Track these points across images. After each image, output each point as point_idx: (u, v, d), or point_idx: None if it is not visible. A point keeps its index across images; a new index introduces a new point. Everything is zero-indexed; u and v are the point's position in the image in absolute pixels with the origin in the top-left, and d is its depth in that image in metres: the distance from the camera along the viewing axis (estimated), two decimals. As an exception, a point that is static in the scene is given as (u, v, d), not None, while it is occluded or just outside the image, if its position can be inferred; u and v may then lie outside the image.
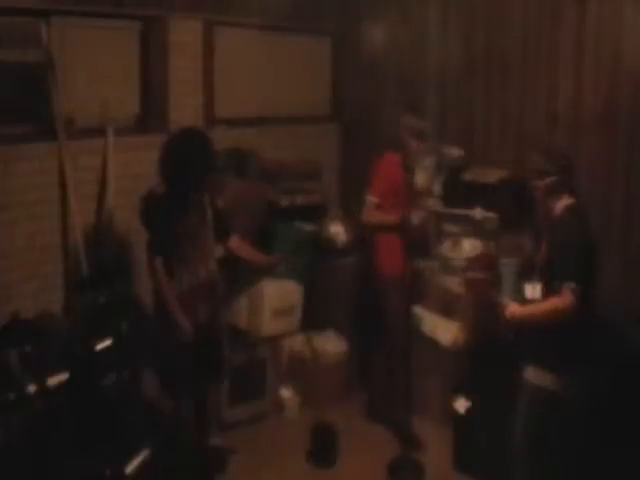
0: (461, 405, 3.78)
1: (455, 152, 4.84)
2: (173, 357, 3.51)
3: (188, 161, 3.40)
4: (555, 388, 2.88)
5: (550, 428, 2.91)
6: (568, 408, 2.89)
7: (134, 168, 4.30)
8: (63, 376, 3.31)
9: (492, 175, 4.45)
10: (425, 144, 4.10)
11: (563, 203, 2.97)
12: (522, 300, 3.00)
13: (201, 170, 3.46)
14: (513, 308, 2.97)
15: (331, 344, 4.53)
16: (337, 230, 4.82)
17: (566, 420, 2.90)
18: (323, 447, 3.88)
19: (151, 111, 4.57)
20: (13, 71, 3.87)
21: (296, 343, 4.53)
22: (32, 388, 3.08)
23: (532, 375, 2.96)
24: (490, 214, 4.33)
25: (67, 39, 4.06)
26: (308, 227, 4.80)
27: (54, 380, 3.25)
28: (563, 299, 2.80)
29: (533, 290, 2.97)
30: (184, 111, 4.59)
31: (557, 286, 2.83)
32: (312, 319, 4.66)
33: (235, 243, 3.78)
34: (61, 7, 3.93)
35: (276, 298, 4.44)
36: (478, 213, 4.36)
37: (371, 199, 4.03)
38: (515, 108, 4.69)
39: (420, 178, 4.48)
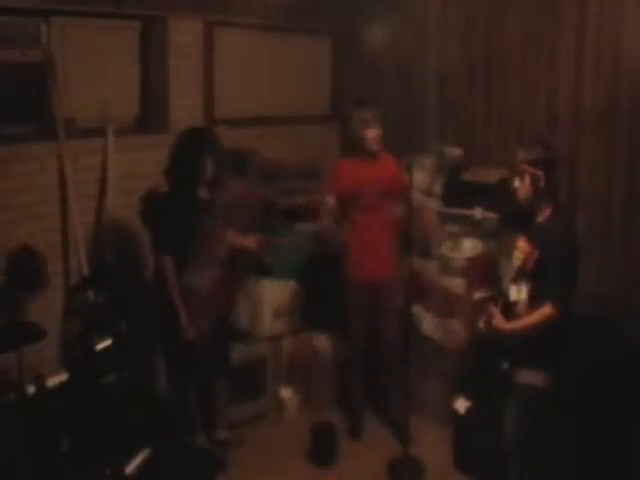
0: (461, 405, 3.78)
1: (455, 152, 4.84)
2: (180, 353, 3.59)
3: (197, 160, 3.45)
4: (542, 386, 2.88)
5: (542, 426, 2.93)
6: (555, 404, 2.90)
7: (134, 168, 4.30)
8: (63, 376, 3.32)
9: (492, 175, 4.45)
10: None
11: (549, 206, 2.93)
12: (506, 301, 2.99)
13: (209, 169, 3.50)
14: (500, 323, 2.96)
15: (331, 344, 4.52)
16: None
17: (555, 416, 2.92)
18: (323, 447, 3.88)
19: (151, 111, 4.56)
20: (13, 71, 3.87)
21: (296, 343, 4.53)
22: (32, 388, 3.09)
23: (520, 376, 2.95)
24: (490, 214, 4.34)
25: (67, 39, 4.06)
26: (308, 227, 4.79)
27: (54, 380, 3.26)
28: (548, 313, 2.81)
29: (518, 292, 2.95)
30: (184, 111, 4.58)
31: (542, 299, 2.83)
32: (312, 319, 4.66)
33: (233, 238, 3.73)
34: (61, 7, 3.93)
35: (276, 298, 4.44)
36: (478, 213, 4.37)
37: None
38: (515, 108, 4.69)
39: (420, 178, 4.48)
